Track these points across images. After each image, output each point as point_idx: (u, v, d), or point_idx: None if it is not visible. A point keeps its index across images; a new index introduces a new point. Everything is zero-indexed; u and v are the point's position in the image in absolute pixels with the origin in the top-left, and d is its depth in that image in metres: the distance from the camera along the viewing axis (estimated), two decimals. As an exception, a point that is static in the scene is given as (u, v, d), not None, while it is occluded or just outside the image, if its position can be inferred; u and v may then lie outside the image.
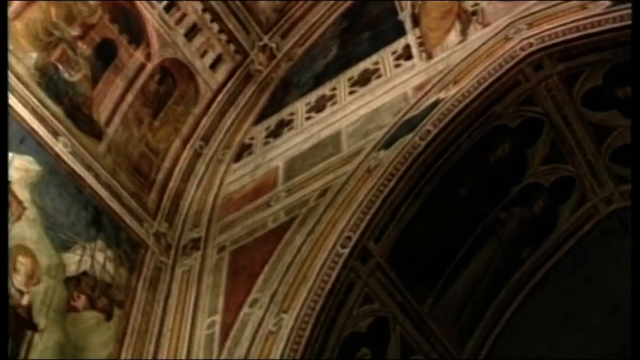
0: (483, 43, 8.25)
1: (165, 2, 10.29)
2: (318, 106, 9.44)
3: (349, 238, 7.16)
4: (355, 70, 9.56)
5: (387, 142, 7.91)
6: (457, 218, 8.01)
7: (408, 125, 7.92)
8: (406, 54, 9.17)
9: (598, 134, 8.28)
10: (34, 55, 8.54)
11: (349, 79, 9.49)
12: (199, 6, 10.63)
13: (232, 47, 10.96)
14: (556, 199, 8.62)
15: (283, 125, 9.65)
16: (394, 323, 7.48)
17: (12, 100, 7.85)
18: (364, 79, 9.29)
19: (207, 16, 10.72)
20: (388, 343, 7.42)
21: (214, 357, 6.82)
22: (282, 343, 6.46)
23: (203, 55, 10.66)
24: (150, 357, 7.29)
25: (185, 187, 9.48)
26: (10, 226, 6.96)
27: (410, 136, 7.75)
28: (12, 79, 8.01)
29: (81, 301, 7.24)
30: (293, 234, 7.63)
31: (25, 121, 7.89)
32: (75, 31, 9.17)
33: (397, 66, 9.09)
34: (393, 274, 7.43)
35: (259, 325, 6.79)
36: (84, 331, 7.11)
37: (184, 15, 10.52)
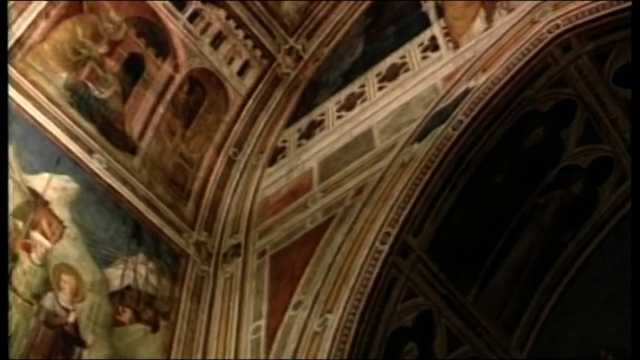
0: (510, 29, 8.17)
1: (189, 13, 10.36)
2: (348, 105, 9.42)
3: (388, 233, 7.13)
4: (383, 66, 9.52)
5: (420, 135, 7.86)
6: (495, 206, 7.93)
7: (440, 116, 7.87)
8: (432, 45, 9.12)
9: (633, 111, 8.17)
10: (64, 75, 8.67)
11: (377, 75, 9.45)
12: (223, 14, 10.68)
13: (259, 52, 10.98)
14: (595, 180, 8.50)
15: (315, 126, 9.64)
16: (439, 316, 7.44)
17: (45, 121, 7.99)
18: (392, 74, 9.25)
19: (232, 23, 10.76)
20: (434, 336, 7.39)
21: (261, 361, 6.86)
22: (328, 344, 6.45)
23: (230, 62, 10.70)
24: (198, 365, 7.37)
25: (221, 195, 9.52)
26: (51, 245, 7.07)
27: (442, 127, 7.69)
28: (43, 101, 8.16)
29: (126, 315, 7.32)
30: (332, 234, 7.63)
31: (59, 141, 8.02)
32: (102, 49, 9.27)
33: (424, 58, 9.04)
34: (434, 266, 7.39)
35: (304, 326, 6.80)
36: (131, 344, 7.18)
37: (209, 24, 10.57)
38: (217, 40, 10.61)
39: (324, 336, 6.55)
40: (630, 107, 7.61)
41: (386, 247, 7.04)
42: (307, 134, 9.63)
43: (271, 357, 6.80)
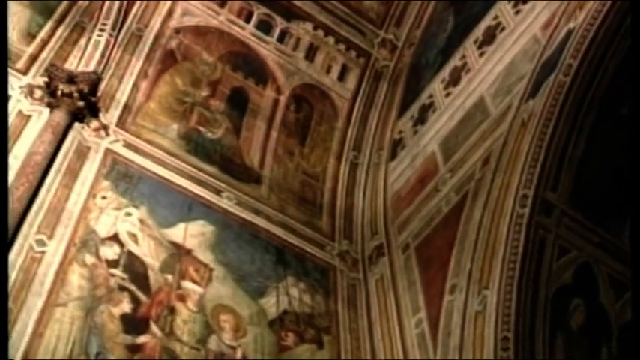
0: (597, -42, 7.85)
1: (276, 34, 10.49)
2: (454, 79, 9.28)
3: (525, 196, 6.96)
4: (477, 32, 9.32)
5: (533, 90, 7.65)
6: (627, 139, 7.59)
7: (548, 66, 7.63)
8: (522, -3, 8.88)
9: None
10: (175, 126, 8.93)
11: (475, 42, 9.27)
12: (309, 26, 10.77)
13: (353, 53, 10.98)
14: None
15: (426, 109, 9.54)
16: (598, 265, 7.17)
17: (169, 175, 8.28)
18: (490, 37, 9.05)
19: (320, 33, 10.83)
20: (597, 286, 7.13)
21: (430, 352, 6.83)
22: (492, 319, 6.34)
23: (328, 70, 10.75)
24: (370, 371, 7.40)
25: (352, 200, 9.53)
26: (203, 290, 7.26)
27: (553, 76, 7.45)
28: (162, 156, 8.44)
29: (290, 339, 7.42)
30: (470, 210, 7.52)
31: (186, 189, 8.28)
32: (204, 92, 9.52)
33: (517, 12, 8.79)
34: (580, 217, 7.14)
35: (464, 308, 6.71)
36: (301, 365, 7.30)
37: (298, 39, 10.67)
38: (310, 53, 10.70)
39: (486, 313, 6.44)
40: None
41: (527, 210, 6.87)
42: (421, 119, 9.54)
43: (439, 346, 6.76)
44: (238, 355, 6.94)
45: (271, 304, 7.64)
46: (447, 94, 9.24)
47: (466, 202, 7.67)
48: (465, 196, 7.75)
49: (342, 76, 10.79)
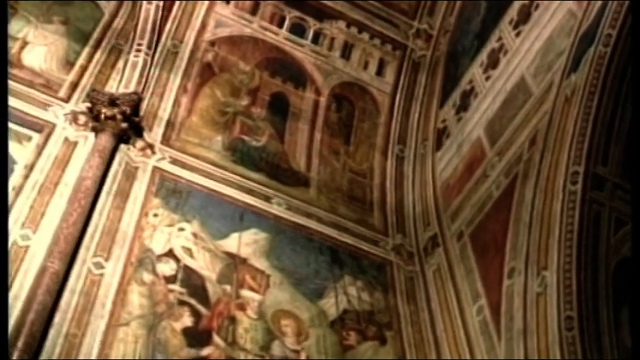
0: None
1: (310, 36, 10.51)
2: (492, 62, 9.19)
3: (576, 172, 6.87)
4: (512, 12, 9.21)
5: (573, 65, 7.55)
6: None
7: (586, 39, 7.52)
8: (554, -27, 8.76)
9: None
10: (219, 138, 9.00)
11: (510, 23, 9.16)
12: (342, 24, 10.78)
13: (389, 46, 10.95)
14: None
15: (467, 95, 9.48)
16: (657, 234, 7.07)
17: (217, 186, 8.35)
18: (524, 16, 8.93)
19: (354, 30, 10.83)
20: (660, 255, 7.01)
21: (494, 338, 6.79)
22: (554, 300, 6.27)
23: (365, 66, 10.73)
24: (436, 363, 7.39)
25: (402, 194, 9.49)
26: (262, 297, 7.29)
27: (592, 48, 7.33)
28: (210, 168, 8.52)
29: (352, 338, 7.41)
30: (521, 192, 7.46)
31: (236, 199, 8.34)
32: (244, 101, 9.58)
33: (550, -12, 8.69)
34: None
35: (525, 291, 6.65)
36: (366, 364, 7.29)
37: (333, 39, 10.68)
38: (346, 51, 10.70)
39: (547, 294, 6.37)
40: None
41: (579, 186, 6.79)
42: (463, 106, 9.48)
43: (502, 331, 6.71)
44: (302, 358, 6.96)
45: (331, 304, 7.65)
46: (487, 78, 9.16)
47: (516, 184, 7.60)
48: (514, 178, 7.68)
49: (379, 71, 10.77)
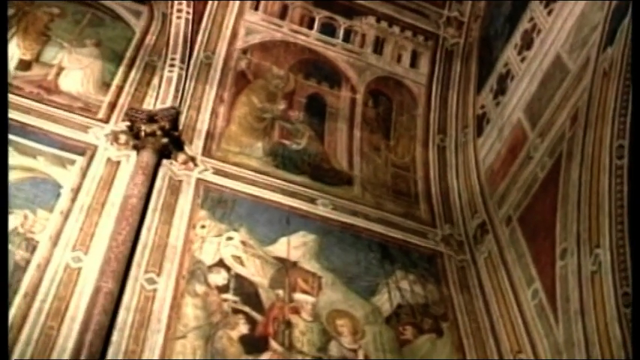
0: None
1: (341, 34, 10.52)
2: (526, 43, 9.10)
3: (621, 146, 6.75)
4: (543, -9, 9.14)
5: (608, 38, 7.43)
6: None
7: (620, 11, 7.39)
8: (580, -52, 8.64)
9: None
10: (259, 144, 9.05)
11: (541, 1, 9.05)
12: (372, 20, 10.77)
13: (421, 37, 10.90)
14: None
15: (504, 79, 9.39)
16: None
17: (262, 193, 8.40)
18: (554, -7, 8.85)
19: (384, 24, 10.81)
20: None
21: (552, 321, 6.73)
22: (609, 277, 6.16)
23: (399, 59, 10.70)
24: (494, 350, 7.32)
25: (446, 184, 9.45)
26: (315, 298, 7.31)
27: (627, 20, 7.21)
28: (253, 175, 8.56)
29: (408, 332, 7.40)
30: (566, 171, 7.37)
31: (281, 204, 8.38)
32: (281, 105, 9.62)
33: (578, -37, 8.57)
34: (681, 156, 6.90)
35: (579, 271, 6.56)
36: (425, 356, 7.26)
37: (364, 35, 10.68)
38: (378, 46, 10.69)
39: (602, 272, 6.27)
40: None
41: (625, 160, 6.66)
42: (501, 90, 9.40)
43: (559, 313, 6.63)
44: (361, 356, 6.97)
45: (384, 300, 7.65)
46: (522, 60, 9.07)
47: (561, 163, 7.51)
48: (559, 157, 7.61)
49: (413, 63, 10.73)
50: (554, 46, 8.48)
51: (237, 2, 10.34)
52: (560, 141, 7.69)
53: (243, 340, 6.71)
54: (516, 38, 9.36)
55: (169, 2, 9.61)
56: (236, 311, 6.94)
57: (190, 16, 9.56)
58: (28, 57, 8.88)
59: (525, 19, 9.26)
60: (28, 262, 6.64)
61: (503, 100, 9.22)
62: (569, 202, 7.11)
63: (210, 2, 10.08)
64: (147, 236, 7.28)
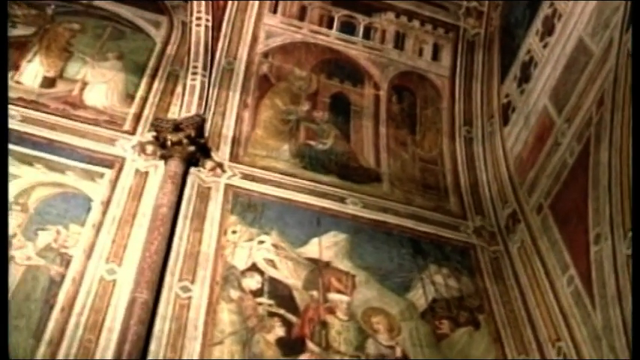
0: None
1: (361, 32, 10.51)
2: (548, 29, 9.02)
3: (650, 125, 6.69)
4: (561, -25, 9.06)
5: (631, 18, 7.34)
6: None
7: (640, -10, 7.33)
8: None
9: None
10: (286, 147, 9.06)
11: (560, -14, 9.01)
12: (391, 15, 10.74)
13: (441, 30, 10.85)
14: None
15: (527, 66, 9.33)
16: None
17: (291, 195, 8.41)
18: (574, -23, 8.77)
19: (404, 19, 10.78)
20: None
21: (589, 307, 6.69)
22: (645, 259, 6.10)
23: (420, 53, 10.67)
24: (532, 339, 7.28)
25: (475, 175, 9.41)
26: (349, 298, 7.30)
27: (648, -1, 7.15)
28: (281, 178, 8.59)
29: (445, 326, 7.38)
30: (596, 155, 7.31)
31: (311, 205, 8.38)
32: (305, 106, 9.63)
33: (595, -55, 8.48)
34: None
35: (614, 256, 6.51)
36: (462, 349, 7.22)
37: (384, 31, 10.65)
38: (399, 41, 10.66)
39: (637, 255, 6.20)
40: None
41: (654, 140, 6.60)
42: (525, 77, 9.33)
43: (596, 298, 6.59)
44: (398, 353, 6.95)
45: (419, 296, 7.63)
46: (545, 46, 9.00)
47: (590, 148, 7.45)
48: (587, 142, 7.54)
49: (435, 56, 10.69)
50: (576, 29, 8.40)
51: (256, 6, 10.36)
52: (588, 125, 7.62)
53: (280, 342, 6.72)
54: (537, 25, 9.29)
55: (188, 11, 9.64)
56: (271, 314, 6.95)
57: (210, 23, 9.59)
58: (52, 74, 8.96)
59: (545, 5, 9.18)
60: (63, 276, 6.69)
61: (527, 88, 9.15)
62: (599, 186, 7.05)
63: (228, 8, 10.10)
64: (179, 245, 7.30)
